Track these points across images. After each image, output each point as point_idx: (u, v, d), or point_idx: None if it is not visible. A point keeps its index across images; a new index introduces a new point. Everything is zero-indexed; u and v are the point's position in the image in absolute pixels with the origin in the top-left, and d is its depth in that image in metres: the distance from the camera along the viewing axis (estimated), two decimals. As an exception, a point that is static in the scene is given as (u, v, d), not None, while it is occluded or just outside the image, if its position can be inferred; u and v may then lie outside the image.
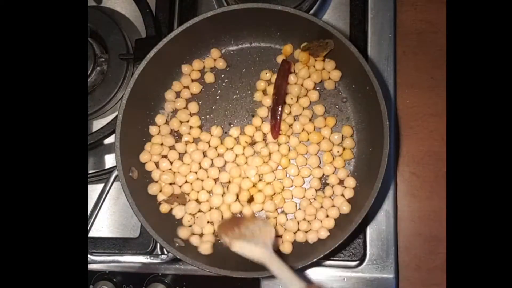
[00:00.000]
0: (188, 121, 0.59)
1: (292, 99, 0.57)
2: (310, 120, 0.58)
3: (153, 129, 0.58)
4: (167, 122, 0.59)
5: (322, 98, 0.59)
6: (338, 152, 0.56)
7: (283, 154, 0.57)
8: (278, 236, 0.56)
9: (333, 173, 0.57)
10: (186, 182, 0.57)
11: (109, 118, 0.64)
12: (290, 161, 0.57)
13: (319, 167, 0.57)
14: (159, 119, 0.59)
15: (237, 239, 0.50)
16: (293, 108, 0.58)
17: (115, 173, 0.56)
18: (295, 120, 0.58)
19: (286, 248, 0.55)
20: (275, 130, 0.56)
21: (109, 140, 0.63)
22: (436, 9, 0.65)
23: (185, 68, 0.59)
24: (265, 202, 0.56)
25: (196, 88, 0.59)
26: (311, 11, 0.63)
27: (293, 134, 0.58)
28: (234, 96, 0.60)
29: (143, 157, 0.57)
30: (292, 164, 0.57)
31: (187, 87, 0.60)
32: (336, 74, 0.57)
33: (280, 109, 0.56)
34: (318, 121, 0.58)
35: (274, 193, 0.57)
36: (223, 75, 0.60)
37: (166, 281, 0.59)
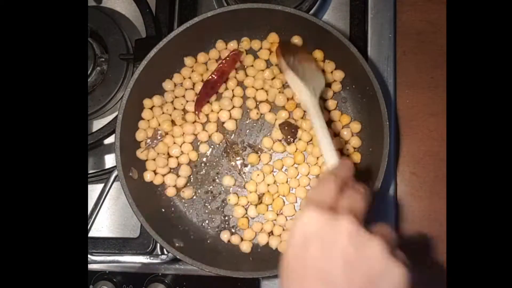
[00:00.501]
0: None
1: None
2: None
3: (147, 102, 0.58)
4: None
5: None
6: (347, 150, 0.56)
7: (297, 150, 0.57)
8: (278, 235, 0.56)
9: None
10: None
11: (109, 118, 0.64)
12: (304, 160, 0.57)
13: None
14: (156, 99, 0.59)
15: (290, 68, 0.49)
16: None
17: (115, 173, 0.56)
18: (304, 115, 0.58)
19: (284, 247, 0.55)
20: (199, 106, 0.57)
21: (109, 140, 0.63)
22: (436, 9, 0.65)
23: (188, 61, 0.59)
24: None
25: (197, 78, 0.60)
26: (311, 11, 0.63)
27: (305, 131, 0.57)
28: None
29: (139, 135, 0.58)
30: (304, 163, 0.57)
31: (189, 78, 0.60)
32: (338, 75, 0.57)
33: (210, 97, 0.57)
34: (333, 114, 0.58)
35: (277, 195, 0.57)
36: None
37: (166, 281, 0.59)
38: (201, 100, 0.58)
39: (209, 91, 0.58)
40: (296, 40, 0.58)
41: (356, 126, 0.57)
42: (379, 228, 0.35)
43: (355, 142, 0.56)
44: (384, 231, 0.34)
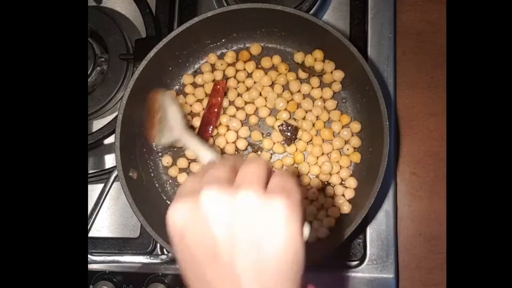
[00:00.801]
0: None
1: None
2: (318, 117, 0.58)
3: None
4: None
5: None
6: (348, 149, 0.56)
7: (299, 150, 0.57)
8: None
9: (337, 172, 0.56)
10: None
11: (109, 118, 0.64)
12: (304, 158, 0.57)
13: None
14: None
15: (156, 131, 0.51)
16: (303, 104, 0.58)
17: (115, 173, 0.56)
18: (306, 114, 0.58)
19: None
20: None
21: (109, 140, 0.63)
22: (436, 9, 0.65)
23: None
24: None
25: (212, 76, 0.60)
26: (311, 11, 0.63)
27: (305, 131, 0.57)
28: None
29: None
30: (304, 163, 0.57)
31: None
32: (338, 75, 0.57)
33: (211, 128, 0.57)
34: (333, 114, 0.58)
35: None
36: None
37: (166, 281, 0.59)
38: (202, 134, 0.58)
39: (206, 127, 0.58)
40: (318, 55, 0.58)
41: (356, 126, 0.57)
42: (275, 177, 0.31)
43: (355, 142, 0.56)
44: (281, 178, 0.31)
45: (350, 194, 0.55)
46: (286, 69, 0.58)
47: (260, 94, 0.59)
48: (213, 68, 0.60)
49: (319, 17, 0.63)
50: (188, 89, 0.60)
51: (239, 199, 0.29)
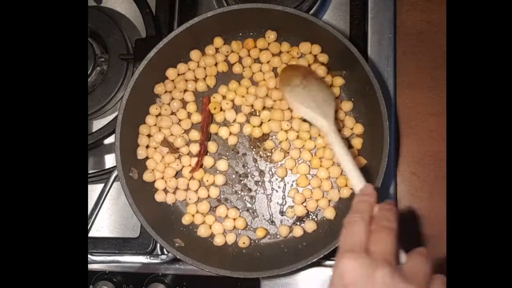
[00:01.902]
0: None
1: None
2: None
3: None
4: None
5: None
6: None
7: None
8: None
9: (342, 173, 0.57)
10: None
11: (109, 118, 0.64)
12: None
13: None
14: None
15: (298, 98, 0.50)
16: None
17: (115, 173, 0.56)
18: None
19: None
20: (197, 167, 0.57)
21: (109, 140, 0.63)
22: (436, 9, 0.65)
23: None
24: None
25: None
26: (311, 11, 0.63)
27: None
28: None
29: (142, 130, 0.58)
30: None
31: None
32: (339, 81, 0.58)
33: (204, 148, 0.57)
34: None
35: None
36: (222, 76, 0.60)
37: (166, 281, 0.59)
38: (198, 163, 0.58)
39: (202, 152, 0.58)
40: (316, 49, 0.57)
41: (358, 127, 0.57)
42: (414, 260, 0.37)
43: (356, 143, 0.57)
44: (419, 264, 0.36)
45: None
46: (297, 53, 0.58)
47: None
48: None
49: (319, 17, 0.63)
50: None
51: (379, 277, 0.34)
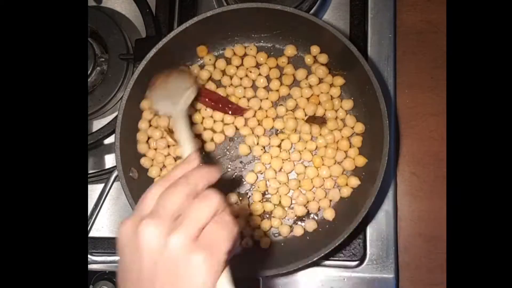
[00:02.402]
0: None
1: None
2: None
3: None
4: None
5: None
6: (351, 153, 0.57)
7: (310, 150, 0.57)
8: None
9: (343, 173, 0.57)
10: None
11: (109, 118, 0.64)
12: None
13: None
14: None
15: (157, 99, 0.51)
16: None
17: (115, 173, 0.56)
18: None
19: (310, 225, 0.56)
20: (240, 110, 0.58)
21: (109, 140, 0.63)
22: (436, 9, 0.65)
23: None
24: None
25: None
26: (311, 11, 0.63)
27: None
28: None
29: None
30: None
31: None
32: (339, 81, 0.58)
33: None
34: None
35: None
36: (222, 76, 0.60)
37: (166, 281, 0.59)
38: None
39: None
40: (290, 50, 0.58)
41: (359, 126, 0.57)
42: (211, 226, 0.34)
43: (356, 141, 0.57)
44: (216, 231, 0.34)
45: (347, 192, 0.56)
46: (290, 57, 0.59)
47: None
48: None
49: (319, 17, 0.63)
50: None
51: (169, 240, 0.32)
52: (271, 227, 0.57)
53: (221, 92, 0.59)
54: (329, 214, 0.55)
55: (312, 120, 0.57)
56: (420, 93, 0.63)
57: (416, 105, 0.63)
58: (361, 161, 0.55)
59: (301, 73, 0.58)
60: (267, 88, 0.59)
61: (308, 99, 0.58)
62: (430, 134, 0.62)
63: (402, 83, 0.63)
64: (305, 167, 0.57)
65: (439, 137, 0.62)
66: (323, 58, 0.58)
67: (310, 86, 0.58)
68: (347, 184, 0.56)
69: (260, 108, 0.58)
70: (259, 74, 0.59)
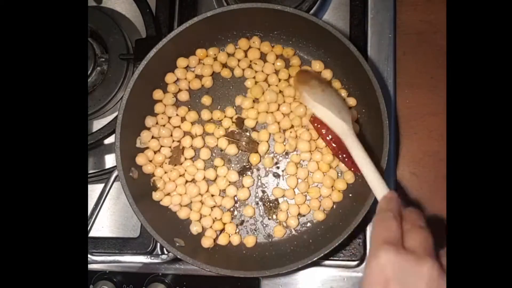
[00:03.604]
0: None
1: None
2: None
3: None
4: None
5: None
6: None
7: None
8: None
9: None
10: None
11: (109, 118, 0.65)
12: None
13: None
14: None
15: (317, 98, 0.49)
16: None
17: (115, 173, 0.56)
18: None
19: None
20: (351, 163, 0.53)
21: (109, 140, 0.63)
22: (436, 9, 0.65)
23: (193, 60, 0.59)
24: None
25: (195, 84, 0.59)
26: (311, 11, 0.63)
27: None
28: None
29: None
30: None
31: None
32: (336, 85, 0.58)
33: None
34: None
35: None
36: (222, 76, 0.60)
37: (166, 281, 0.59)
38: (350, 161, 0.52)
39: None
40: (317, 65, 0.57)
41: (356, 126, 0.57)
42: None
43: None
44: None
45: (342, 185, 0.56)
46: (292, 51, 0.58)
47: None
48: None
49: (319, 17, 0.63)
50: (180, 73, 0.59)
51: (425, 271, 0.34)
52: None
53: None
54: (320, 216, 0.56)
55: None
56: (420, 93, 0.63)
57: (416, 105, 0.63)
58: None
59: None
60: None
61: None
62: (430, 134, 0.62)
63: (402, 83, 0.63)
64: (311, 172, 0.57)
65: (439, 137, 0.62)
66: (328, 74, 0.57)
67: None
68: (339, 191, 0.56)
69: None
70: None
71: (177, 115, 0.58)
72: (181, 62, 0.59)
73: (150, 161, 0.57)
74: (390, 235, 0.36)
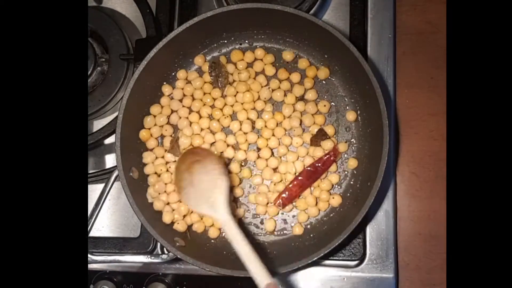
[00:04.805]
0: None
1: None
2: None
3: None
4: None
5: (320, 98, 0.59)
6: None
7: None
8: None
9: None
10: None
11: (110, 118, 0.65)
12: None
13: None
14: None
15: (190, 198, 0.49)
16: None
17: (115, 173, 0.56)
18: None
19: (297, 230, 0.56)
20: (284, 200, 0.55)
21: (110, 140, 0.63)
22: (436, 9, 0.65)
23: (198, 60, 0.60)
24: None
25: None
26: (311, 11, 0.63)
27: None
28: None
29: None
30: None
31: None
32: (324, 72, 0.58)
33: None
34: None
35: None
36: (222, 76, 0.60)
37: (167, 280, 0.59)
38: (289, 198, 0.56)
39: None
40: (288, 56, 0.58)
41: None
42: None
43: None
44: None
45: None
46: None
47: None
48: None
49: (319, 17, 0.63)
50: (180, 84, 0.59)
51: None
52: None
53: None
54: (298, 230, 0.56)
55: (315, 141, 0.57)
56: (419, 93, 0.63)
57: (415, 105, 0.63)
58: (353, 162, 0.56)
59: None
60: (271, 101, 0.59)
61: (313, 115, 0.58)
62: (430, 134, 0.62)
63: (402, 83, 0.63)
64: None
65: (439, 137, 0.62)
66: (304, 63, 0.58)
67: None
68: (327, 201, 0.56)
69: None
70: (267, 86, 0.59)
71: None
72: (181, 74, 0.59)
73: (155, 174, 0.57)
74: None
